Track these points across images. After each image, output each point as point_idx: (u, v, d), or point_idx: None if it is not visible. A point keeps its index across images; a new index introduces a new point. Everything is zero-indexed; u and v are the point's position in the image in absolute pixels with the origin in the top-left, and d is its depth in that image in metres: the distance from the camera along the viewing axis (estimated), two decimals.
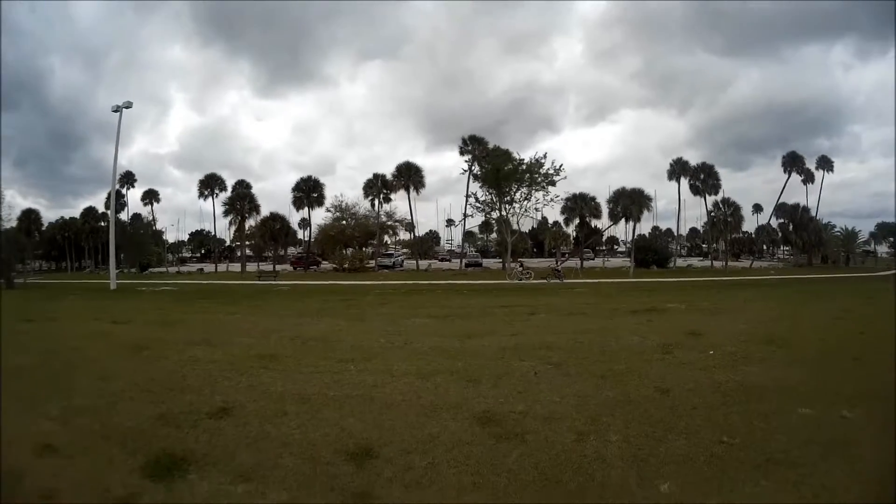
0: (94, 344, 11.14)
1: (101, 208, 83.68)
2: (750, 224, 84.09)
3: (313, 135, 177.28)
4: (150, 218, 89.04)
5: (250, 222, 74.13)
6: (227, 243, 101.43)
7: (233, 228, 74.28)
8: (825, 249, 78.86)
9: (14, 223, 61.00)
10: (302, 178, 72.00)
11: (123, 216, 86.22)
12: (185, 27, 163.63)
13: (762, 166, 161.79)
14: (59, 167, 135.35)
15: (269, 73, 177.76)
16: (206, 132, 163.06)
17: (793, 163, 71.51)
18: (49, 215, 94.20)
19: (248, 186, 73.69)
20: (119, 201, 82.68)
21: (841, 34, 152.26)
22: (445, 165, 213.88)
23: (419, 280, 43.82)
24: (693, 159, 70.74)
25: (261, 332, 12.80)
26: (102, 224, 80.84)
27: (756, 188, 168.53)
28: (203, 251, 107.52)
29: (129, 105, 39.68)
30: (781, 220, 78.45)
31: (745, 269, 63.11)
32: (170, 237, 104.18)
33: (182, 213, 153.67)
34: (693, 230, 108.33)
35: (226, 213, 71.29)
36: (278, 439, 5.43)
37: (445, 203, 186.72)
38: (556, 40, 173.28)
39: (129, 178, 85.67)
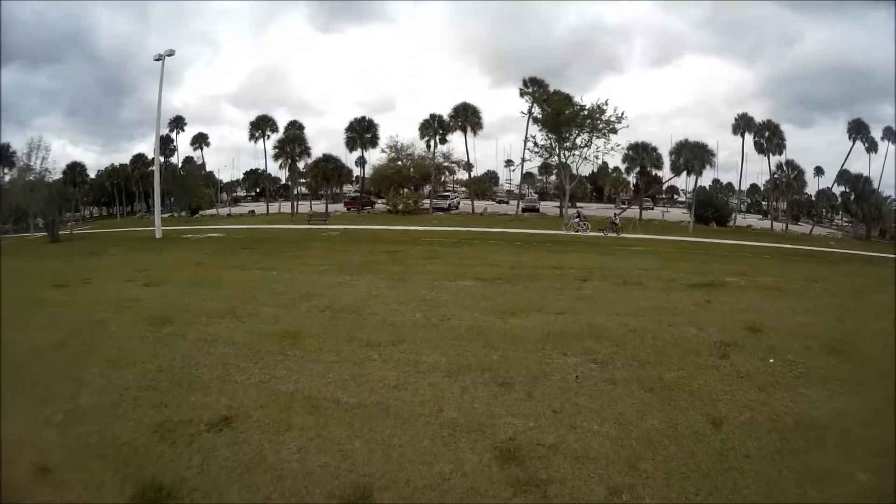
0: (118, 317, 10.61)
1: (150, 154, 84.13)
2: (810, 186, 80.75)
3: (373, 72, 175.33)
4: (200, 162, 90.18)
5: (302, 164, 73.57)
6: (283, 182, 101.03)
7: (288, 169, 73.51)
8: (883, 223, 75.16)
9: (59, 176, 62.75)
10: (355, 119, 71.06)
11: (175, 160, 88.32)
12: None
13: (826, 125, 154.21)
14: (111, 113, 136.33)
15: (328, 8, 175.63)
16: (263, 70, 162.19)
17: (857, 130, 67.93)
18: (102, 161, 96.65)
19: (301, 128, 72.79)
20: (168, 146, 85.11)
21: None
22: (508, 104, 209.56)
23: (473, 226, 42.67)
24: (757, 112, 68.65)
25: (292, 297, 12.16)
26: (152, 169, 79.72)
27: (818, 148, 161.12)
28: (258, 190, 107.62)
29: (171, 53, 39.59)
30: (843, 189, 75.57)
31: (804, 236, 60.16)
32: (225, 177, 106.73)
33: (237, 152, 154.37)
34: (753, 186, 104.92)
35: (276, 157, 70.37)
36: (273, 468, 4.90)
37: (506, 142, 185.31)
38: None
39: (178, 123, 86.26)
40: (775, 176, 69.31)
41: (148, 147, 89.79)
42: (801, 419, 6.08)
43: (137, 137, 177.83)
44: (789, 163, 68.45)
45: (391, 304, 11.29)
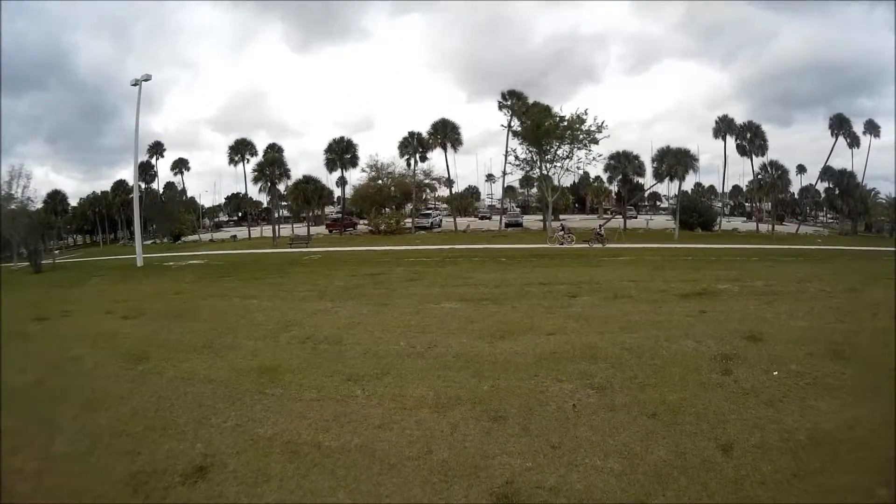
0: (95, 353, 10.19)
1: (131, 180, 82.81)
2: (794, 184, 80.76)
3: (351, 91, 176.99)
4: (181, 187, 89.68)
5: (282, 186, 72.68)
6: (265, 205, 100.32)
7: (267, 193, 72.55)
8: (869, 218, 75.71)
9: (40, 205, 62.69)
10: (334, 140, 69.92)
11: (156, 186, 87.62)
12: None
13: (806, 123, 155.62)
14: (92, 139, 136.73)
15: (303, 29, 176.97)
16: (241, 93, 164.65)
17: (840, 125, 67.69)
18: (84, 188, 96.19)
19: (280, 150, 71.69)
20: (149, 172, 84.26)
21: None
22: (486, 118, 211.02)
23: (456, 244, 41.98)
24: (737, 113, 68.90)
25: (272, 327, 11.70)
26: (133, 196, 79.63)
27: (799, 146, 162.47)
28: (239, 214, 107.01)
29: (147, 78, 38.92)
30: (828, 185, 74.96)
31: (791, 235, 60.03)
32: (207, 202, 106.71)
33: (219, 176, 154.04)
34: (736, 188, 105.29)
35: (255, 180, 69.13)
36: None
37: (486, 157, 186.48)
38: None
39: (157, 149, 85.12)
40: (759, 177, 69.14)
41: (129, 173, 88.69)
42: (814, 434, 5.71)
43: (119, 164, 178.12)
44: (773, 163, 68.09)
45: (374, 332, 10.84)
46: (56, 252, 57.53)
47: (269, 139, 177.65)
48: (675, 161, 59.42)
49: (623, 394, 6.99)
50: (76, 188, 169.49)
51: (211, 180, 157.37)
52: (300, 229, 70.48)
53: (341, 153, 68.95)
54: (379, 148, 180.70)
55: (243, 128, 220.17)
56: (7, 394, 7.72)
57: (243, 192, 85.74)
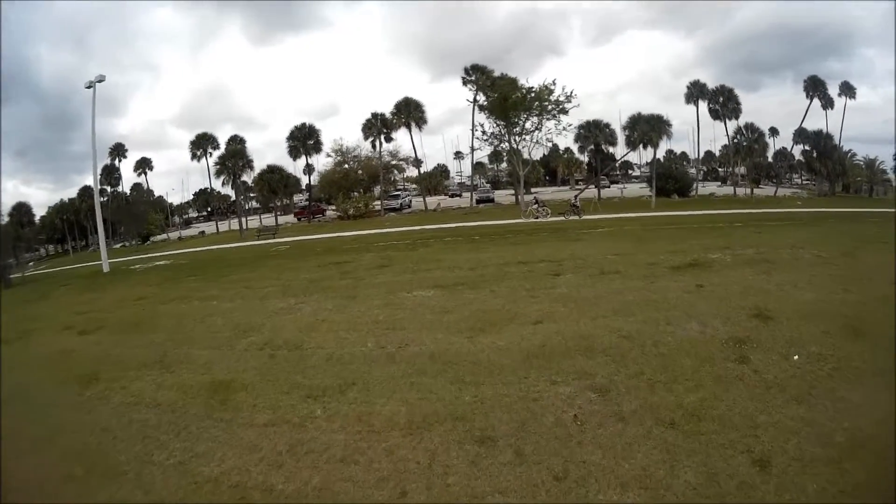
0: (48, 377, 9.54)
1: (103, 183, 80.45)
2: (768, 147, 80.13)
3: (314, 80, 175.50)
4: (146, 187, 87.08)
5: (249, 178, 71.01)
6: (233, 199, 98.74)
7: (231, 186, 70.56)
8: (847, 178, 75.45)
9: (6, 219, 62.10)
10: (296, 126, 68.32)
11: (123, 188, 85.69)
12: None
13: (774, 87, 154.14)
14: (59, 148, 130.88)
15: (263, 21, 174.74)
16: (205, 89, 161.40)
17: (814, 87, 66.69)
18: (55, 198, 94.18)
19: (242, 142, 69.46)
20: (113, 175, 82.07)
21: None
22: (451, 96, 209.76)
23: (427, 224, 40.61)
24: (703, 80, 66.93)
25: (230, 334, 10.68)
26: (103, 199, 78.14)
27: (768, 110, 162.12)
28: (209, 210, 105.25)
29: (101, 79, 37.25)
30: (804, 147, 73.73)
31: (769, 198, 59.30)
32: (176, 199, 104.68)
33: (186, 173, 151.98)
34: (708, 153, 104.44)
35: (218, 174, 67.14)
36: None
37: (453, 135, 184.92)
38: None
39: (119, 150, 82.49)
40: (735, 140, 68.46)
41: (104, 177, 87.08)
42: (853, 435, 4.96)
43: (88, 170, 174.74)
44: (748, 126, 67.79)
45: (339, 332, 9.78)
46: (30, 264, 58.60)
47: (235, 133, 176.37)
48: (648, 128, 58.24)
49: (631, 397, 6.00)
50: (47, 198, 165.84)
51: (179, 178, 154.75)
52: (269, 220, 68.98)
53: (304, 139, 67.37)
54: (346, 133, 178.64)
55: (209, 123, 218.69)
56: None
57: (209, 187, 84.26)
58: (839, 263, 12.84)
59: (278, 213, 73.55)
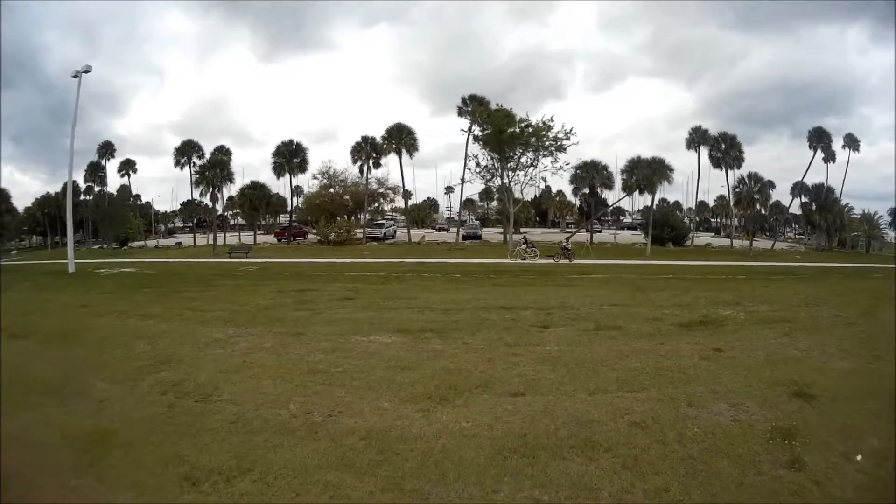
0: None
1: (82, 181, 78.73)
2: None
3: (315, 102, 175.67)
4: (128, 189, 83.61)
5: (232, 191, 69.76)
6: (220, 213, 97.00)
7: (209, 198, 67.86)
8: (844, 233, 73.75)
9: None
10: (283, 143, 65.81)
11: (110, 189, 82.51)
12: None
13: (770, 142, 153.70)
14: (57, 140, 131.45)
15: (271, 39, 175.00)
16: (206, 100, 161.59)
17: (818, 138, 64.93)
18: (46, 189, 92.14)
19: (227, 153, 66.64)
20: (98, 173, 79.12)
21: (857, 16, 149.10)
22: (449, 132, 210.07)
23: (407, 257, 38.46)
24: (685, 140, 65.03)
25: (144, 363, 8.97)
26: (84, 198, 77.14)
27: (763, 164, 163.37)
28: (194, 221, 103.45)
29: (88, 69, 37.04)
30: (803, 200, 72.28)
31: (767, 252, 57.50)
32: (164, 207, 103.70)
33: (178, 181, 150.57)
34: (702, 203, 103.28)
35: (197, 183, 64.32)
36: None
37: (447, 170, 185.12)
38: (564, 6, 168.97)
39: (107, 149, 79.39)
40: (737, 190, 66.53)
41: (89, 174, 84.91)
42: None
43: (82, 166, 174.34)
44: (752, 175, 65.66)
45: (264, 381, 7.76)
46: (13, 252, 60.84)
47: (232, 147, 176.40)
48: (649, 171, 55.58)
49: None
50: (40, 189, 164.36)
51: (171, 186, 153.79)
52: (249, 238, 66.77)
53: (290, 157, 64.90)
54: (341, 159, 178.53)
55: (207, 134, 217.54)
56: None
57: (196, 198, 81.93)
58: (862, 325, 11.86)
59: (257, 231, 71.90)
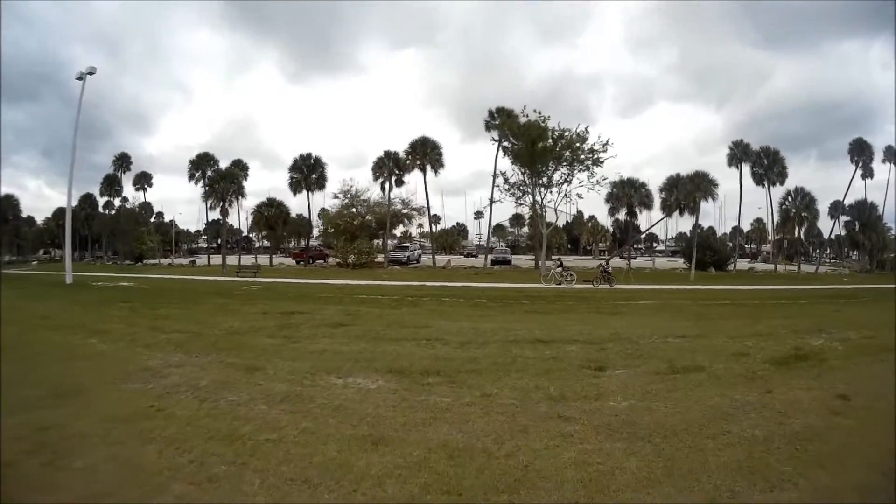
0: None
1: (104, 194, 78.97)
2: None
3: (344, 125, 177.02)
4: (135, 204, 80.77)
5: (241, 208, 68.10)
6: (245, 234, 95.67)
7: (219, 212, 63.45)
8: (886, 253, 68.58)
9: None
10: (300, 156, 61.17)
11: (129, 203, 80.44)
12: (211, 9, 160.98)
13: (796, 165, 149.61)
14: (85, 156, 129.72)
15: (299, 60, 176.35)
16: (234, 120, 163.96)
17: (860, 151, 59.95)
18: (75, 205, 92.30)
19: (244, 167, 64.05)
20: (114, 186, 78.08)
21: (880, 30, 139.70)
22: (479, 159, 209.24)
23: (430, 280, 34.58)
24: (726, 157, 60.62)
25: (37, 394, 6.97)
26: (105, 211, 77.51)
27: (790, 188, 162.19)
28: (218, 242, 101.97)
29: (92, 71, 36.07)
30: (846, 219, 66.47)
31: (813, 275, 51.75)
32: (191, 227, 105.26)
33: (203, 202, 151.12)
34: (735, 228, 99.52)
35: (205, 197, 59.56)
36: None
37: (476, 197, 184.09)
38: (592, 29, 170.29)
39: (124, 161, 78.45)
40: (783, 206, 60.12)
41: (105, 188, 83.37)
42: None
43: (99, 180, 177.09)
44: (798, 190, 59.22)
45: (146, 446, 5.13)
46: (34, 263, 63.39)
47: (261, 170, 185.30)
48: (692, 186, 50.34)
49: None
50: (65, 203, 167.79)
51: (198, 206, 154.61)
52: (265, 260, 63.34)
53: (308, 172, 60.58)
54: (368, 182, 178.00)
55: (235, 155, 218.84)
56: None
57: (220, 218, 79.20)
58: None
59: (284, 254, 70.22)
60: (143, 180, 79.96)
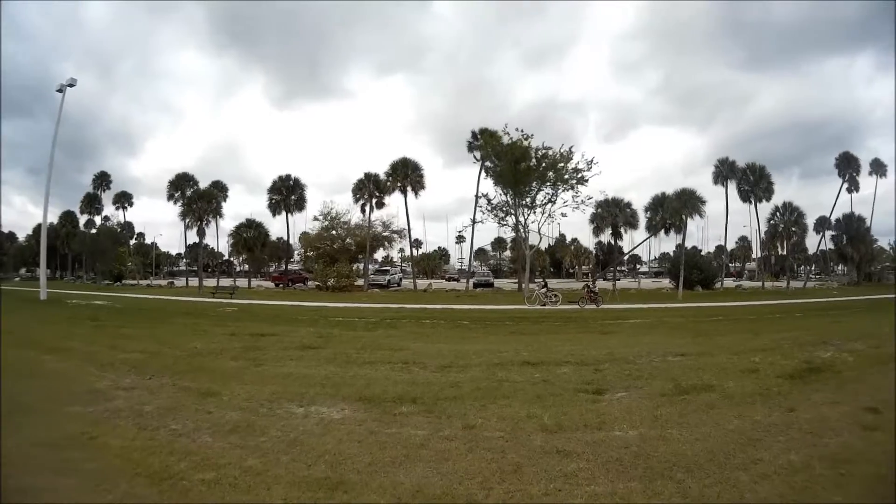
0: None
1: (84, 212, 79.75)
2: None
3: (330, 151, 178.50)
4: (114, 223, 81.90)
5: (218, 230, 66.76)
6: (226, 257, 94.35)
7: (196, 232, 62.45)
8: (869, 266, 70.29)
9: None
10: (280, 177, 60.44)
11: (111, 222, 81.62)
12: (199, 31, 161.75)
13: (779, 184, 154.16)
14: (72, 175, 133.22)
15: (286, 84, 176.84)
16: (220, 145, 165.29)
17: (847, 164, 61.11)
18: (51, 219, 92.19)
19: (223, 188, 62.14)
20: (94, 205, 78.26)
21: (862, 47, 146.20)
22: (462, 185, 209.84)
23: (410, 303, 33.24)
24: (711, 177, 60.61)
25: None
26: (84, 229, 78.04)
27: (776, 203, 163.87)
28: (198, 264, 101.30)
29: (72, 83, 35.78)
30: (834, 233, 66.82)
31: (801, 290, 52.55)
32: (174, 250, 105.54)
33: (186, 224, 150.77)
34: (719, 247, 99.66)
35: (182, 216, 58.33)
36: None
37: (458, 223, 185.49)
38: (577, 53, 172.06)
39: (103, 180, 78.48)
40: (771, 221, 61.12)
41: (106, 212, 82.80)
42: None
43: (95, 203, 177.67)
44: (787, 205, 60.12)
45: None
46: (16, 279, 66.59)
47: (245, 195, 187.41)
48: (679, 203, 49.52)
49: None
50: (49, 221, 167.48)
51: (180, 229, 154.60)
52: (244, 283, 63.27)
53: (287, 193, 59.80)
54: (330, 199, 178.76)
55: (217, 178, 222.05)
56: None
57: (207, 243, 78.36)
58: None
59: (263, 277, 69.69)
60: (122, 199, 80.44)
